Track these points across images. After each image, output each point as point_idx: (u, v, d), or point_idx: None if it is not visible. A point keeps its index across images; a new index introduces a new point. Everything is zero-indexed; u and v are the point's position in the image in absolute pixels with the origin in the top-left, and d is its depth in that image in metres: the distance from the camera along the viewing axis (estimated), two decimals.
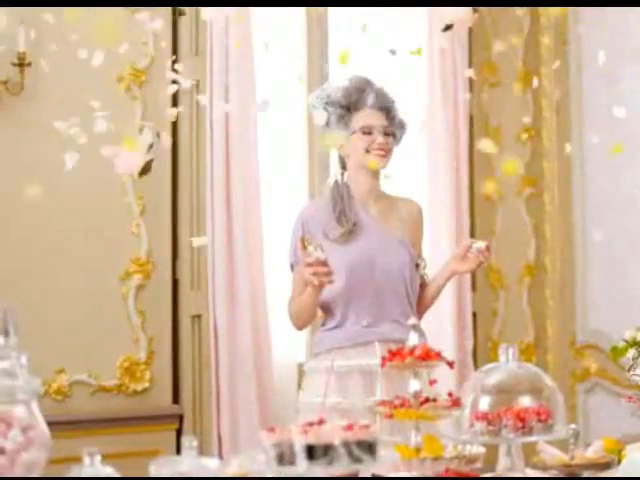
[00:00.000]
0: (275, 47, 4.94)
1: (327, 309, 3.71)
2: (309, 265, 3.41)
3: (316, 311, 3.71)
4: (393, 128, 3.73)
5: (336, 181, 3.77)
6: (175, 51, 4.80)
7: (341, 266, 3.56)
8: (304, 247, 3.42)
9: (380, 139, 3.66)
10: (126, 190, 4.69)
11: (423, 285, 3.78)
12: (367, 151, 3.66)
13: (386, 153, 3.68)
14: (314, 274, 3.41)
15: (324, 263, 3.41)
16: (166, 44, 4.68)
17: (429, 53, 5.42)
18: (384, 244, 3.66)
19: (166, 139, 3.73)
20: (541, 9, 5.83)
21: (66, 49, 3.86)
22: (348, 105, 3.69)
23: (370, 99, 3.71)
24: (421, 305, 3.80)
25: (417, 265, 3.75)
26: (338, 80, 3.81)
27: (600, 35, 5.19)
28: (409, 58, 5.12)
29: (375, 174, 3.74)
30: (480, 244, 3.65)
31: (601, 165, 5.56)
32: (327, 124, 3.68)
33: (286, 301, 3.76)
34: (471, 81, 5.50)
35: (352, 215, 3.66)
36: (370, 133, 3.67)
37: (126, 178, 4.70)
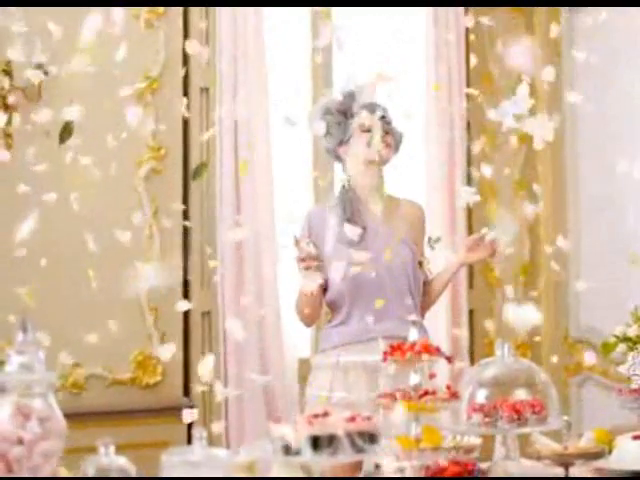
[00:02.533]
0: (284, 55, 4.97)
1: (333, 307, 3.71)
2: (301, 260, 3.45)
3: (318, 306, 3.71)
4: (390, 128, 3.74)
5: (343, 186, 3.78)
6: (186, 59, 4.81)
7: (346, 265, 3.56)
8: (297, 244, 3.47)
9: (380, 132, 3.68)
10: (139, 193, 4.69)
11: (427, 282, 3.78)
12: (369, 145, 3.67)
13: (387, 145, 3.69)
14: (306, 268, 3.44)
15: (316, 257, 3.44)
16: (177, 52, 4.69)
17: (427, 58, 5.42)
18: (387, 243, 3.66)
19: None
20: (535, 18, 5.83)
21: (82, 57, 3.86)
22: (345, 111, 3.72)
23: (365, 105, 3.72)
24: (427, 299, 3.80)
25: (420, 263, 3.76)
26: (333, 94, 3.86)
27: (593, 38, 5.18)
28: (407, 63, 5.17)
29: (379, 172, 3.74)
30: (493, 234, 3.68)
31: (594, 167, 5.55)
32: (327, 132, 3.69)
33: (292, 299, 3.78)
34: (468, 86, 5.49)
35: (360, 220, 3.66)
36: (369, 130, 3.69)
37: (138, 181, 4.71)
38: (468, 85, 5.49)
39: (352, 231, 3.48)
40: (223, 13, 4.84)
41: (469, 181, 5.55)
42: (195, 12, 4.89)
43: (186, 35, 4.85)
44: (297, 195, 5.10)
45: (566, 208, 5.75)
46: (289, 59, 5.09)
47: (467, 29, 5.40)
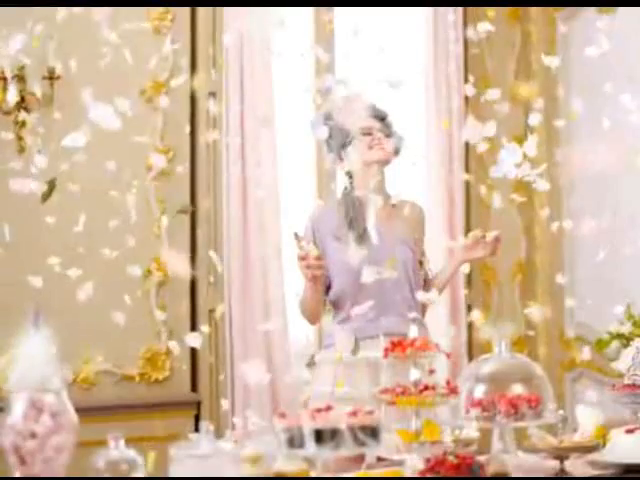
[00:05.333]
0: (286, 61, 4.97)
1: (335, 305, 3.71)
2: (301, 259, 3.44)
3: (319, 304, 3.70)
4: (390, 131, 3.74)
5: (345, 187, 3.77)
6: (194, 64, 4.82)
7: (348, 265, 3.56)
8: (298, 243, 3.46)
9: (380, 135, 3.68)
10: (148, 193, 4.69)
11: (427, 280, 3.78)
12: (370, 148, 3.67)
13: (387, 149, 3.69)
14: (307, 267, 3.44)
15: (317, 257, 3.44)
16: (185, 59, 4.70)
17: (426, 63, 5.42)
18: (388, 243, 3.65)
19: None
20: (532, 25, 5.83)
21: (93, 61, 3.87)
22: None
23: (366, 109, 3.71)
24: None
25: (420, 263, 3.75)
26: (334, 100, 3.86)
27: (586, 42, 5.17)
28: (406, 67, 5.16)
29: (380, 174, 3.73)
30: (495, 233, 3.68)
31: (589, 169, 5.54)
32: (329, 136, 3.69)
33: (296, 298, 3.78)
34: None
35: (362, 221, 3.65)
36: (370, 134, 3.68)
37: (148, 182, 4.71)
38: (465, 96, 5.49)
39: (357, 253, 3.42)
40: (230, 20, 4.85)
41: (468, 183, 5.56)
42: (202, 15, 4.90)
43: (193, 40, 4.86)
44: (300, 190, 5.11)
45: (561, 210, 5.75)
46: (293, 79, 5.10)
47: (466, 57, 5.42)
